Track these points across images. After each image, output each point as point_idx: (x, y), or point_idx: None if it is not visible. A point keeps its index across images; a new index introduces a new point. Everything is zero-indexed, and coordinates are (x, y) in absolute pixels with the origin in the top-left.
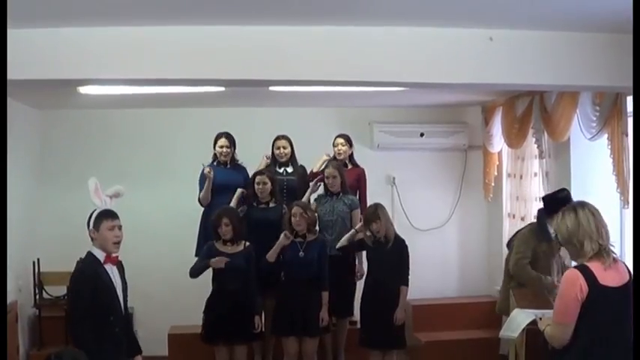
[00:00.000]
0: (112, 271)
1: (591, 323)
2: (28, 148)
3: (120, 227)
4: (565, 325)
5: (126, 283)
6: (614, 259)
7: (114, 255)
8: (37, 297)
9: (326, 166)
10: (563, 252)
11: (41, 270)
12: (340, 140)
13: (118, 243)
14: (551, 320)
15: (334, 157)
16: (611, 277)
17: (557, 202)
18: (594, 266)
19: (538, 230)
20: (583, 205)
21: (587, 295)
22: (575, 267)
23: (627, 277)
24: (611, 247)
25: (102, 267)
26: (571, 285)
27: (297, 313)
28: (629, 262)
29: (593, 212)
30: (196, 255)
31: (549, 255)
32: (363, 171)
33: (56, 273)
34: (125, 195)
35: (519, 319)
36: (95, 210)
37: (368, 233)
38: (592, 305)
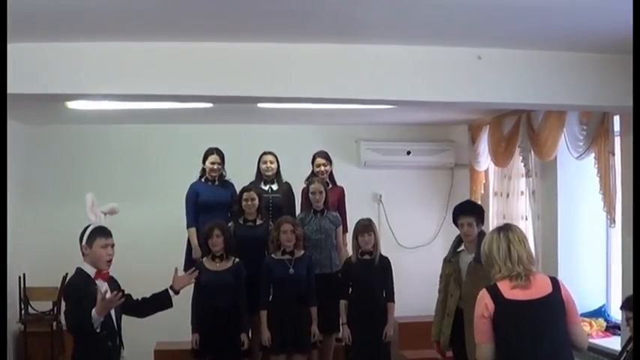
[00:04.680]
0: (102, 286)
1: (504, 337)
2: (14, 163)
3: (113, 245)
4: (481, 344)
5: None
6: (527, 280)
7: (104, 271)
8: (23, 312)
9: (310, 182)
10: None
11: (27, 285)
12: (321, 160)
13: (110, 261)
14: None
15: (313, 174)
16: (518, 292)
17: (455, 212)
18: (502, 284)
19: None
20: (503, 229)
21: (494, 310)
22: (484, 286)
23: (548, 290)
24: (527, 271)
25: (92, 282)
26: (478, 304)
27: (288, 330)
28: (618, 279)
29: (509, 237)
30: (185, 272)
31: (453, 276)
32: (343, 190)
33: (42, 288)
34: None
35: None
36: (89, 225)
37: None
38: (500, 320)
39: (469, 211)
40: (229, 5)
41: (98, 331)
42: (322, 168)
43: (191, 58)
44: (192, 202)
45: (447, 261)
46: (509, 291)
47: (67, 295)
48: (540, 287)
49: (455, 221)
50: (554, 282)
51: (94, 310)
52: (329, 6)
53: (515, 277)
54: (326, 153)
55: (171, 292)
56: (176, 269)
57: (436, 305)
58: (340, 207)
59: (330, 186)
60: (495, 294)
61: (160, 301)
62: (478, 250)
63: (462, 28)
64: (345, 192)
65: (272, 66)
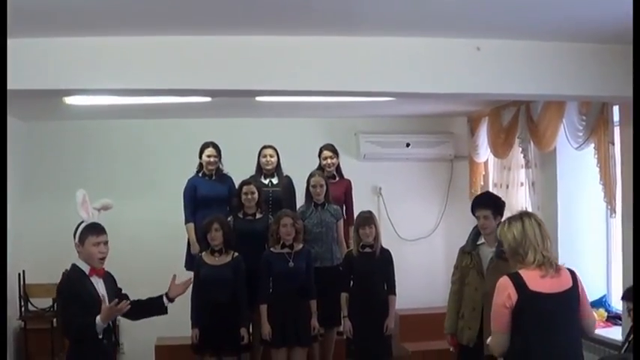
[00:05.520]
0: (97, 283)
1: (524, 329)
2: (13, 159)
3: (106, 243)
4: (498, 333)
5: (118, 293)
6: (558, 270)
7: (98, 268)
8: (23, 309)
9: (311, 175)
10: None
11: (27, 282)
12: (328, 153)
13: (103, 259)
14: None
15: (320, 168)
16: (545, 284)
17: (472, 204)
18: (528, 274)
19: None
20: (529, 214)
21: (517, 301)
22: (507, 274)
23: (569, 284)
24: (555, 259)
25: (87, 279)
26: (500, 293)
27: (288, 323)
28: (618, 269)
29: (539, 223)
30: (186, 267)
31: (471, 268)
32: (349, 182)
33: (42, 285)
34: (112, 207)
35: None
36: (82, 223)
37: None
38: (522, 311)
39: (485, 204)
40: None
41: (101, 337)
42: (329, 160)
43: (189, 52)
44: (190, 197)
45: (465, 252)
46: (534, 281)
47: (59, 291)
48: (564, 280)
49: (473, 213)
50: (573, 275)
51: (98, 318)
52: None
53: (548, 266)
54: (332, 146)
55: (165, 301)
56: (174, 277)
57: (449, 296)
58: (347, 200)
59: (338, 178)
60: (519, 284)
61: (155, 308)
62: (499, 245)
63: (461, 19)
64: (352, 185)
65: (270, 59)
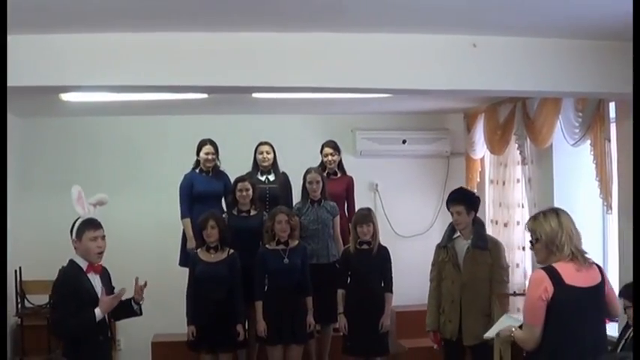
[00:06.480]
0: (94, 280)
1: (559, 323)
2: (9, 156)
3: (103, 237)
4: (534, 327)
5: (112, 291)
6: (590, 264)
7: (96, 264)
8: (19, 306)
9: (307, 172)
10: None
11: (23, 278)
12: (329, 150)
13: (101, 253)
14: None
15: (322, 165)
16: (579, 278)
17: (447, 200)
18: (563, 267)
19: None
20: (562, 210)
21: (553, 295)
22: (541, 268)
23: (599, 279)
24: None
25: (84, 275)
26: (536, 286)
27: (284, 320)
28: (615, 266)
29: (570, 216)
30: (180, 264)
31: (447, 262)
32: (351, 179)
33: (38, 281)
34: (108, 203)
35: (507, 323)
36: (79, 218)
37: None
38: (558, 305)
39: (458, 200)
40: None
41: (100, 337)
42: (330, 157)
43: (185, 49)
44: (186, 192)
45: (441, 247)
46: (570, 275)
47: (55, 287)
48: (594, 274)
49: (447, 208)
50: (600, 270)
51: (97, 309)
52: None
53: (582, 259)
54: (334, 142)
55: (134, 305)
56: (136, 279)
57: (429, 293)
58: (349, 197)
59: (339, 175)
60: (555, 277)
61: (129, 310)
62: (475, 236)
63: (458, 15)
64: (355, 182)
65: (266, 55)
